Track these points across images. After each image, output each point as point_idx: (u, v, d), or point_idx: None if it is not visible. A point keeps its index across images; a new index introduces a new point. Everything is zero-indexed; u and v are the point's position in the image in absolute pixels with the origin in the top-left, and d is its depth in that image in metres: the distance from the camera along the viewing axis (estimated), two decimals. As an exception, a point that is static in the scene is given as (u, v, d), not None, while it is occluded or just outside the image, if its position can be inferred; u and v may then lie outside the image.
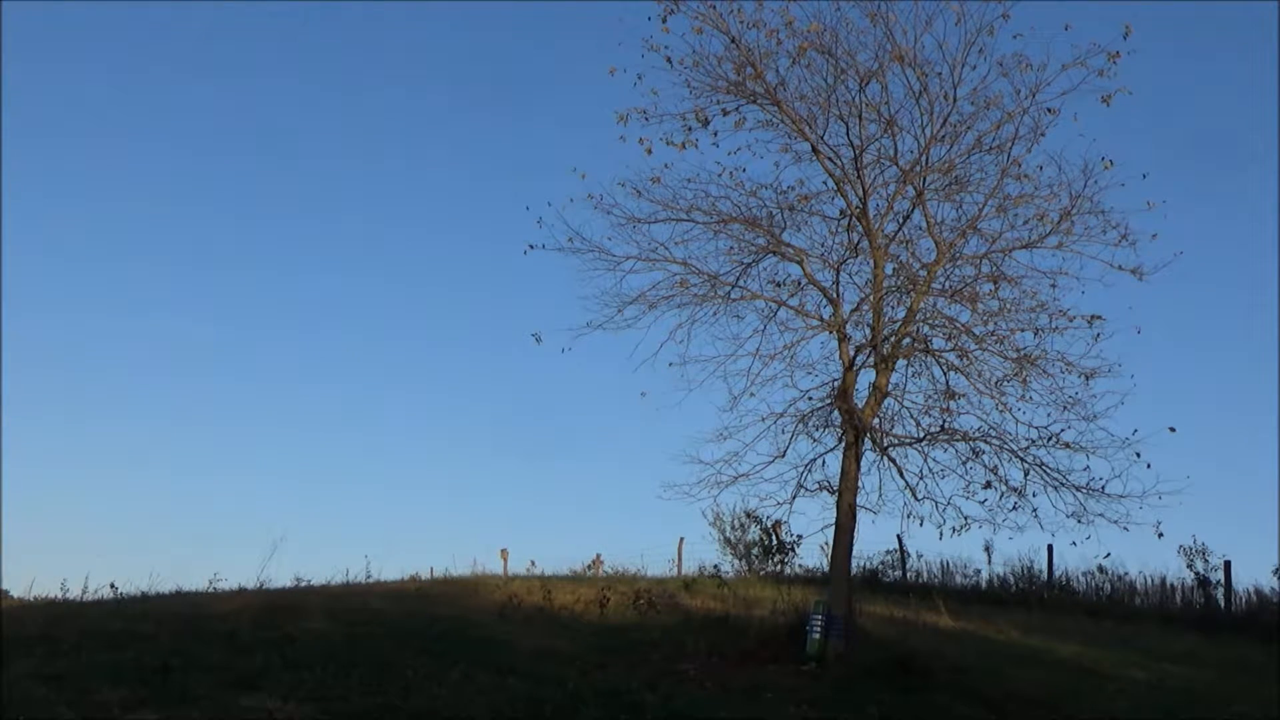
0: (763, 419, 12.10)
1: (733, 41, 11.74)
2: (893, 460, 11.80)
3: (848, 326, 12.24)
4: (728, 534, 23.49)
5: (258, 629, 10.70)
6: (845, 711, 9.39)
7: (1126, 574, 20.26)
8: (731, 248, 12.53)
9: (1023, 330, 11.67)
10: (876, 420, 11.85)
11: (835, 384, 12.07)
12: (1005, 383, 11.54)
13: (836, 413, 11.95)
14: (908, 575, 22.43)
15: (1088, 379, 11.36)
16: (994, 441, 11.48)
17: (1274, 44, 51.08)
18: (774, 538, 22.23)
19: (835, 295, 12.36)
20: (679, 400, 12.26)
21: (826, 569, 13.58)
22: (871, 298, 12.09)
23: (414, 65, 68.69)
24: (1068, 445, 11.25)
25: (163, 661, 8.82)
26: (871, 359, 11.97)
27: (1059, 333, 11.57)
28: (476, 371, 64.55)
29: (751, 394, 12.22)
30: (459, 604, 14.48)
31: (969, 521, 11.49)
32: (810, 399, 12.15)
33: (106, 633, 10.03)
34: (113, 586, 14.33)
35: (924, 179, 12.02)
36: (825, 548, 12.55)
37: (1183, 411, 37.79)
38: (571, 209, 12.28)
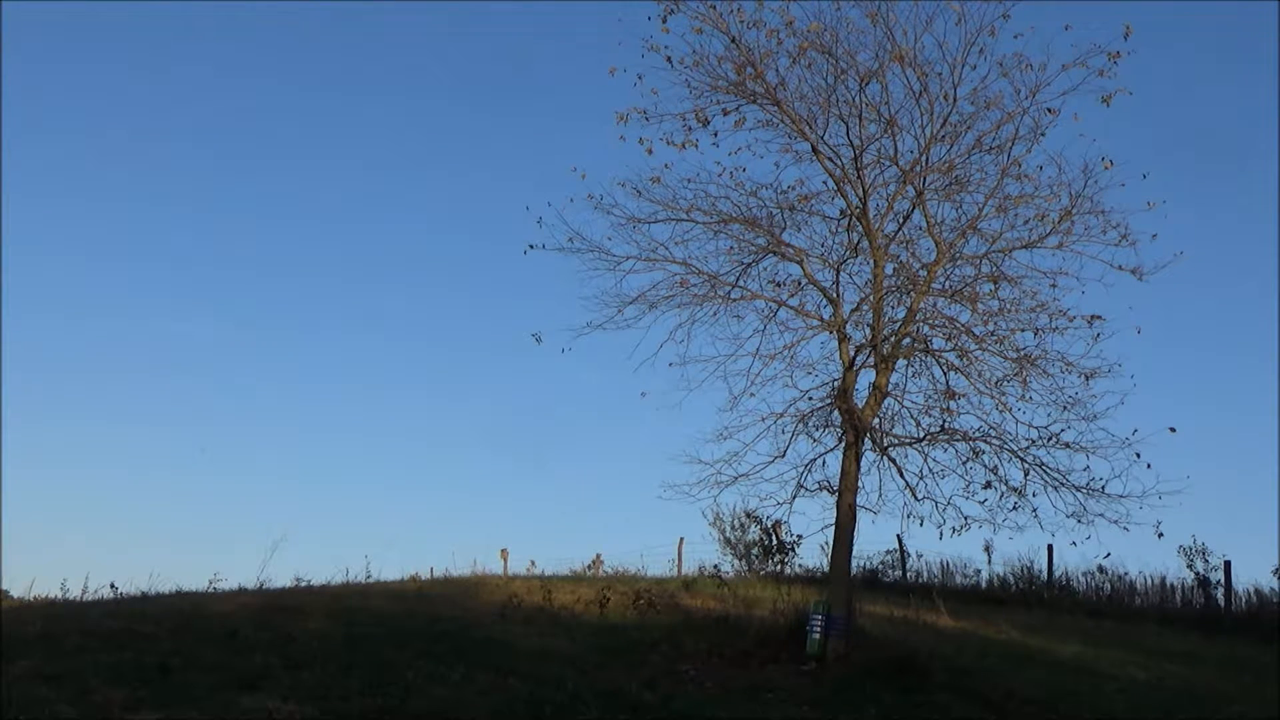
0: (763, 419, 12.10)
1: (733, 41, 11.74)
2: (893, 460, 11.81)
3: (848, 326, 12.24)
4: (728, 534, 23.47)
5: (258, 629, 10.69)
6: (845, 711, 9.40)
7: (1126, 574, 20.33)
8: (731, 248, 12.54)
9: (1023, 330, 11.67)
10: (876, 420, 11.85)
11: (835, 384, 12.07)
12: (1005, 383, 11.53)
13: (836, 413, 11.95)
14: (908, 575, 22.44)
15: (1088, 379, 11.35)
16: (994, 441, 11.48)
17: (1274, 44, 51.11)
18: (774, 538, 22.22)
19: (835, 295, 12.36)
20: (679, 400, 12.27)
21: (826, 569, 13.56)
22: (871, 298, 12.08)
23: (413, 65, 68.71)
24: (1068, 445, 11.25)
25: (163, 661, 8.82)
26: (871, 359, 11.97)
27: (1059, 333, 11.56)
28: (476, 371, 64.57)
29: (751, 394, 12.22)
30: (459, 604, 14.47)
31: (969, 521, 11.49)
32: (810, 399, 12.16)
33: (106, 633, 10.01)
34: (113, 586, 14.33)
35: (924, 179, 12.01)
36: (825, 548, 12.54)
37: (1183, 411, 37.73)
38: (571, 209, 12.30)
